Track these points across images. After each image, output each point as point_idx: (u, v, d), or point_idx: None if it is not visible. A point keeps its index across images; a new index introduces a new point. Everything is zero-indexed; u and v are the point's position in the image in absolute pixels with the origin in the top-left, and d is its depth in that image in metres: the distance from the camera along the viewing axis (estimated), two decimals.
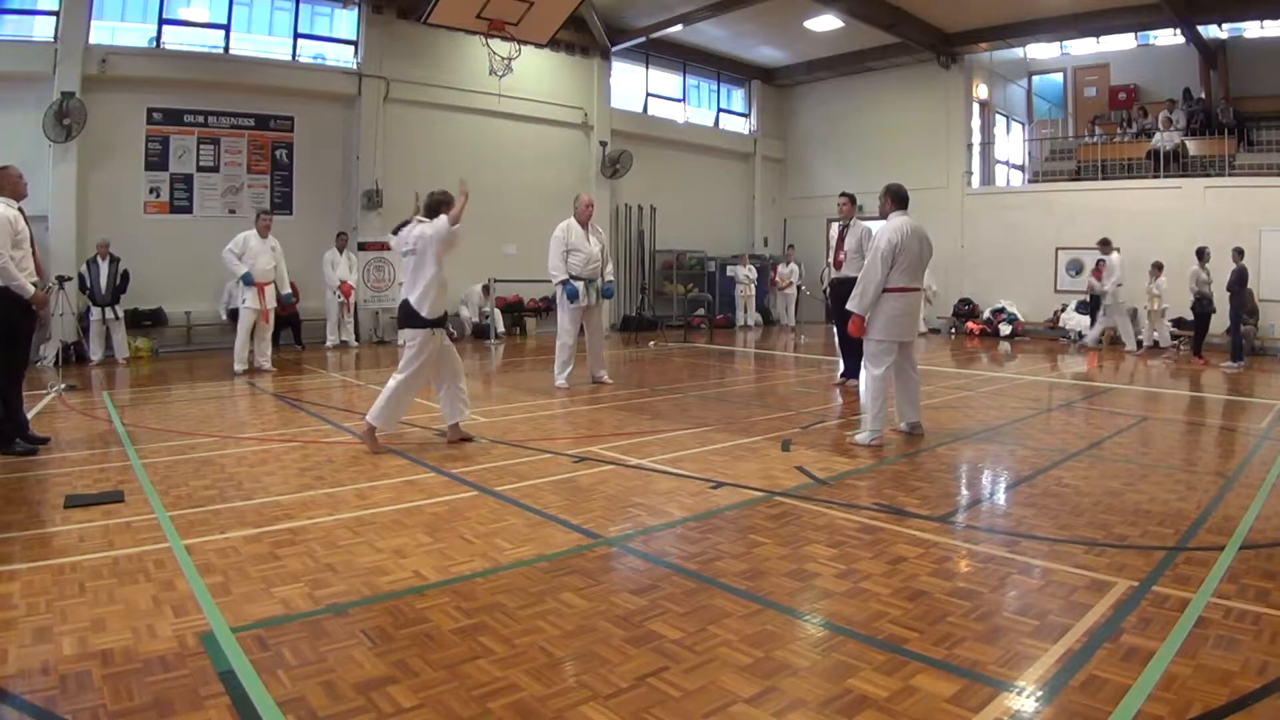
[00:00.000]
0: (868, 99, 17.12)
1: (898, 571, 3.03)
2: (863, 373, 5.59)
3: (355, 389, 8.22)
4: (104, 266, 9.70)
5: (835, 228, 8.03)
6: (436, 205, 5.13)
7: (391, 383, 5.04)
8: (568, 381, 7.87)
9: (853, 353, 7.64)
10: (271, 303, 9.09)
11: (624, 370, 10.04)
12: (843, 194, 8.11)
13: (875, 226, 7.63)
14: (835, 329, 8.49)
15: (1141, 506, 3.92)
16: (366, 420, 5.08)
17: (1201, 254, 11.13)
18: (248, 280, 8.86)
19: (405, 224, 5.25)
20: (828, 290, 8.63)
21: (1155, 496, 4.11)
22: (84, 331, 9.84)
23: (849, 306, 5.41)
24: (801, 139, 18.62)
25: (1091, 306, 13.30)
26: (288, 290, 9.45)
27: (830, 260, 8.40)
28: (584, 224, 7.88)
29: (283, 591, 2.80)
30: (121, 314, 9.87)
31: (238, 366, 8.88)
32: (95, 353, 9.75)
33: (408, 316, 5.07)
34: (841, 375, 8.09)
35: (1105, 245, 12.50)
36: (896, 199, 5.37)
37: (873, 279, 5.20)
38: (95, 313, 9.70)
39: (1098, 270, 12.64)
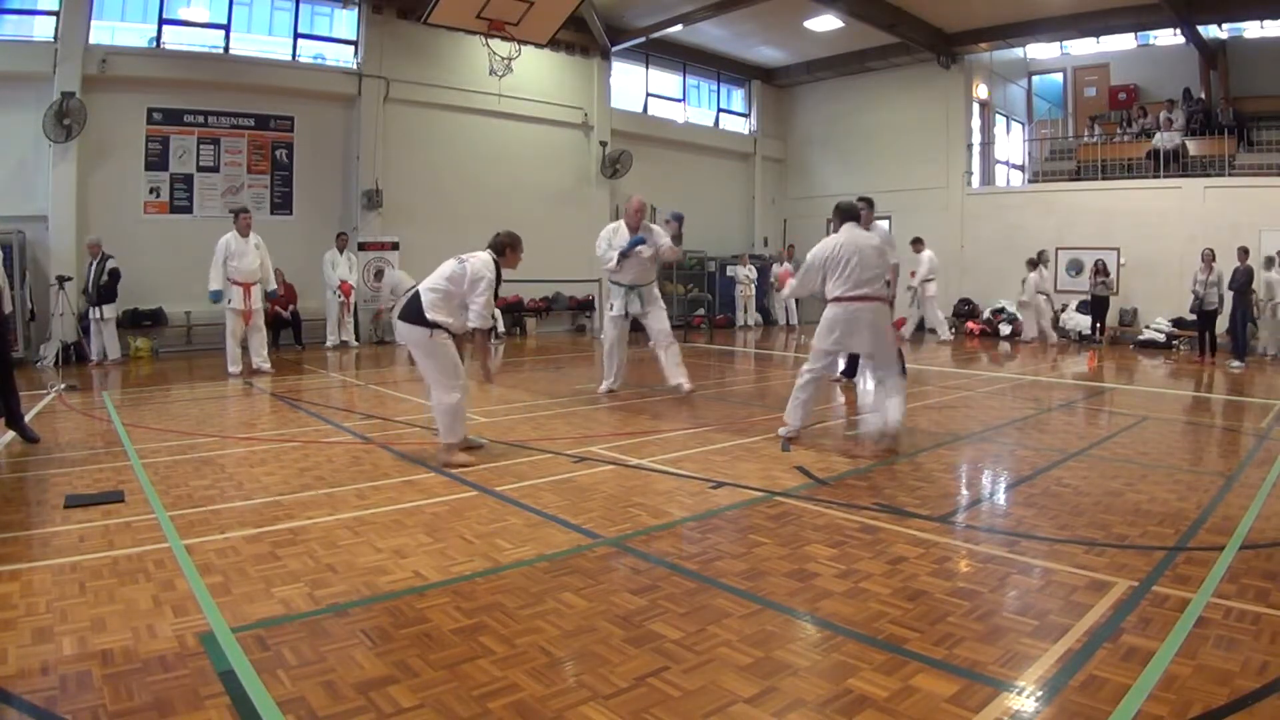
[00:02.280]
0: (868, 99, 17.12)
1: (898, 571, 3.03)
2: None
3: (355, 389, 8.22)
4: (94, 266, 9.68)
5: None
6: (501, 246, 4.85)
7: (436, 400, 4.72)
8: (606, 388, 7.36)
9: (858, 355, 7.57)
10: (257, 303, 8.99)
11: (624, 370, 10.03)
12: (860, 199, 7.98)
13: (885, 225, 7.57)
14: None
15: (1141, 506, 3.92)
16: (442, 441, 4.75)
17: (1206, 255, 11.18)
18: (214, 298, 8.85)
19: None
20: None
21: (1155, 496, 4.11)
22: (84, 331, 9.84)
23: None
24: (801, 139, 18.63)
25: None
26: (274, 287, 9.38)
27: None
28: (633, 229, 7.07)
29: (283, 591, 2.80)
30: (109, 314, 9.70)
31: (231, 368, 8.86)
32: (96, 353, 9.75)
33: (415, 312, 4.62)
34: (841, 373, 7.98)
35: (917, 244, 13.10)
36: (841, 214, 5.41)
37: (801, 286, 5.47)
38: (94, 312, 9.70)
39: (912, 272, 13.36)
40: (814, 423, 6.04)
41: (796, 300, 17.44)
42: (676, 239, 7.12)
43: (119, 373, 9.18)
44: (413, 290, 4.78)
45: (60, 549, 3.22)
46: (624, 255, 6.98)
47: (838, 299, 5.19)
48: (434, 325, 4.58)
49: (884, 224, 7.68)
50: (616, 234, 7.13)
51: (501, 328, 13.60)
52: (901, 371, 5.55)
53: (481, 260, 4.73)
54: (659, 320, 7.14)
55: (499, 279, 4.76)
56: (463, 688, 2.16)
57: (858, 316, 5.14)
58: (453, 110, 13.58)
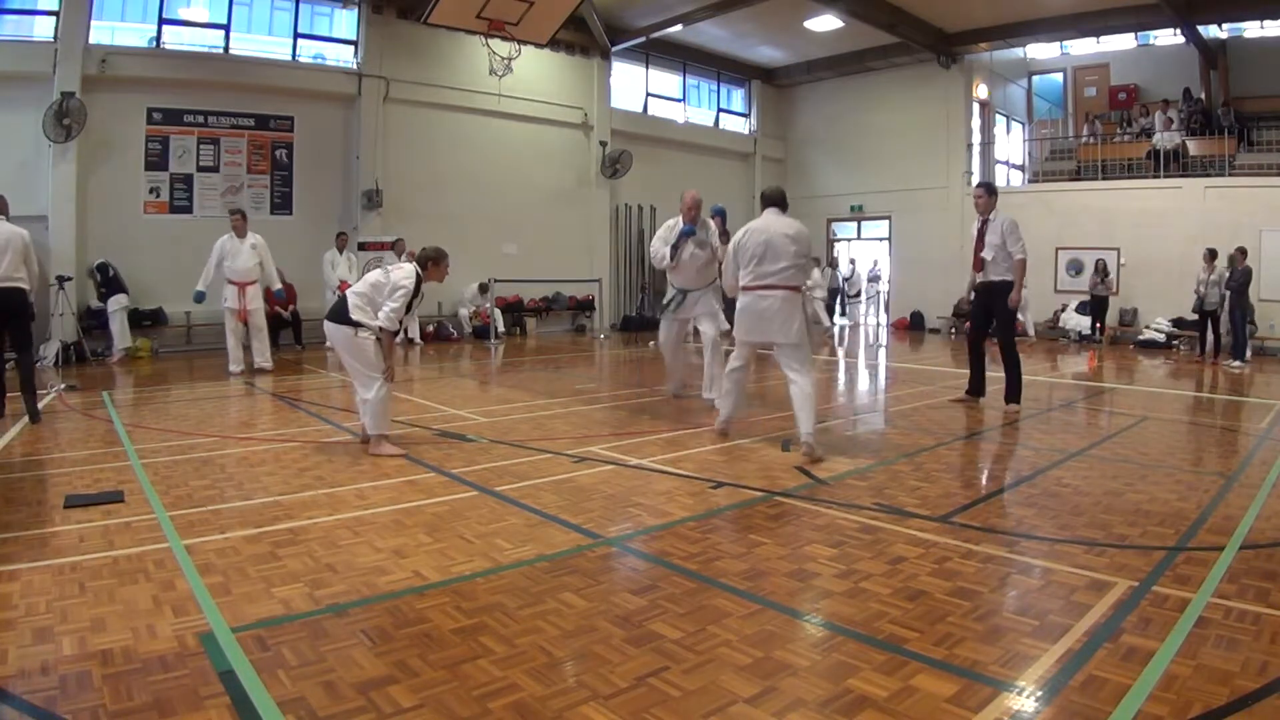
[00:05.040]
0: (868, 99, 17.12)
1: (898, 571, 3.03)
2: None
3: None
4: None
5: (975, 225, 6.89)
6: (424, 260, 5.11)
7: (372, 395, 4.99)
8: (670, 392, 7.17)
9: (981, 369, 7.02)
10: (253, 303, 8.96)
11: (624, 370, 10.05)
12: (980, 184, 6.98)
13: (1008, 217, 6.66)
14: (970, 339, 7.20)
15: (1141, 506, 3.92)
16: (371, 434, 5.03)
17: (1208, 255, 11.20)
18: (196, 298, 8.93)
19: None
20: (971, 297, 7.15)
21: (1155, 496, 4.11)
22: (83, 331, 9.94)
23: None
24: (801, 139, 18.62)
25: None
26: (278, 286, 9.46)
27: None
28: (692, 228, 6.56)
29: (283, 591, 2.80)
30: (114, 306, 9.96)
31: (232, 367, 8.90)
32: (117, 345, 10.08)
33: (341, 313, 4.96)
34: (966, 391, 7.15)
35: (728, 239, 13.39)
36: (762, 199, 5.31)
37: (727, 279, 5.37)
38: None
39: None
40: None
41: None
42: (723, 236, 6.57)
43: (119, 373, 9.18)
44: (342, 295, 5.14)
45: (60, 549, 3.22)
46: (675, 248, 6.53)
47: (745, 288, 5.07)
48: (357, 325, 4.92)
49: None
50: (673, 231, 6.64)
51: (501, 327, 13.59)
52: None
53: (404, 272, 5.00)
54: (705, 325, 6.71)
55: (418, 291, 5.01)
56: (463, 688, 2.16)
57: (761, 306, 4.97)
58: (453, 110, 13.57)
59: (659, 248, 6.67)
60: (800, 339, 4.98)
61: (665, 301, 6.91)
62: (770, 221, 5.09)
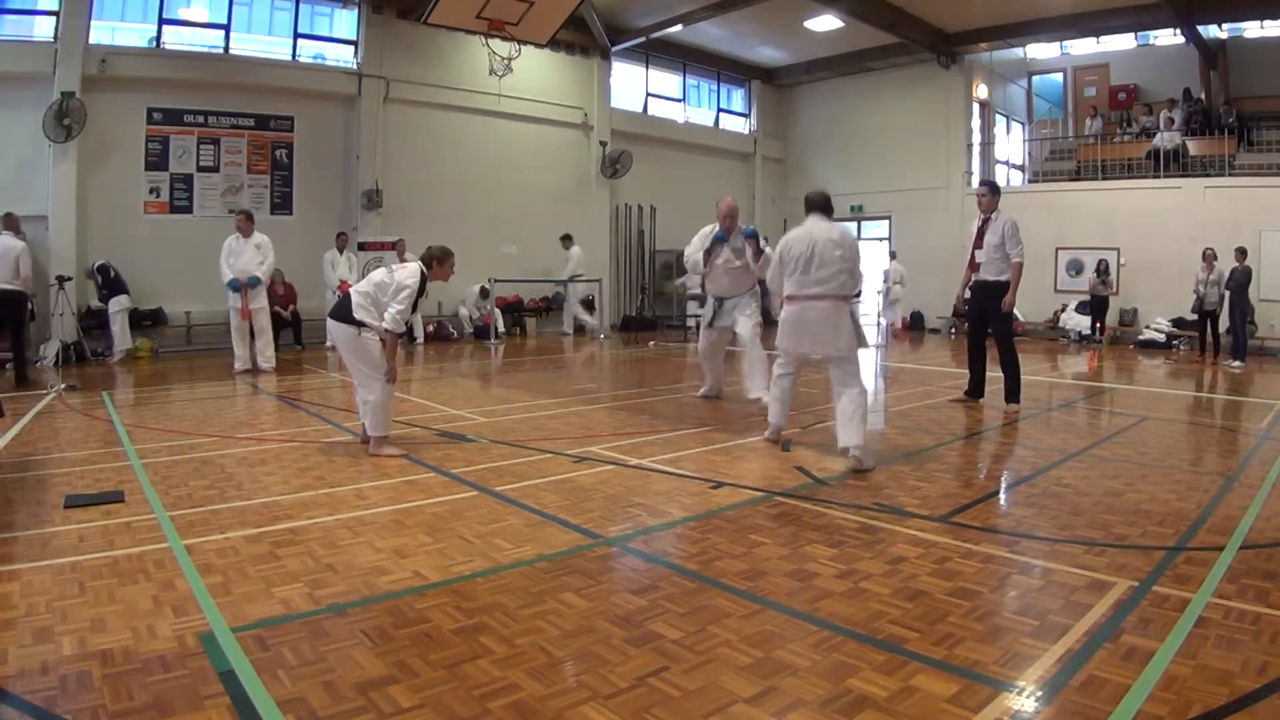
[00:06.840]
0: (868, 99, 17.12)
1: (898, 571, 3.03)
2: None
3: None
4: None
5: (975, 222, 6.84)
6: (430, 259, 5.06)
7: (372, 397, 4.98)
8: (701, 394, 7.22)
9: (981, 369, 7.00)
10: (255, 303, 8.98)
11: (624, 370, 10.05)
12: (983, 183, 6.94)
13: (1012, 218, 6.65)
14: (969, 340, 7.18)
15: (1141, 506, 3.92)
16: (372, 435, 5.01)
17: (1208, 255, 11.21)
18: (233, 286, 8.91)
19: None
20: (966, 297, 7.01)
21: (1155, 496, 4.11)
22: (83, 331, 9.94)
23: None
24: (801, 139, 18.62)
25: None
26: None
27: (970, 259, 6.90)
28: (725, 235, 6.53)
29: (283, 591, 2.80)
30: (115, 307, 9.92)
31: (237, 365, 8.94)
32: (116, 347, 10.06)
33: (345, 312, 4.94)
34: (965, 392, 7.14)
35: (566, 240, 13.98)
36: (806, 204, 5.16)
37: (772, 282, 5.21)
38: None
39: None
40: (814, 423, 6.05)
41: None
42: (757, 255, 6.43)
43: (119, 373, 9.18)
44: (346, 293, 5.13)
45: (60, 549, 3.22)
46: (708, 254, 6.51)
47: (790, 298, 4.94)
48: (360, 324, 4.89)
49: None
50: (707, 238, 6.61)
51: (501, 327, 13.59)
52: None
53: (408, 271, 4.97)
54: (742, 326, 6.68)
55: (423, 290, 4.98)
56: (463, 688, 2.16)
57: (806, 317, 4.84)
58: (453, 110, 13.58)
59: (693, 253, 6.66)
60: (850, 352, 4.81)
61: (706, 312, 6.89)
62: (814, 227, 4.95)
